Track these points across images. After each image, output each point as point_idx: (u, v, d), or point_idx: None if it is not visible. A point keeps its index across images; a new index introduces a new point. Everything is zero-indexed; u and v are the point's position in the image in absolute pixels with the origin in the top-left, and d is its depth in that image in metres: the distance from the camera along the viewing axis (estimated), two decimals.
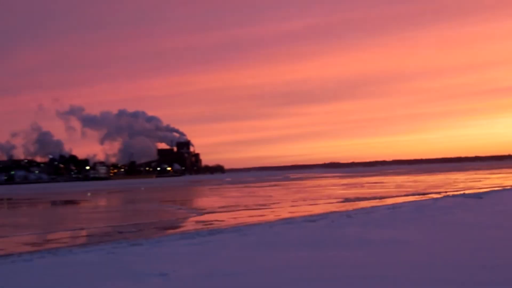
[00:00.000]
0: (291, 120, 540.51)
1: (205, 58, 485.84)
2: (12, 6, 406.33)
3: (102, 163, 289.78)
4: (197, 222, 28.54)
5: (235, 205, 41.36)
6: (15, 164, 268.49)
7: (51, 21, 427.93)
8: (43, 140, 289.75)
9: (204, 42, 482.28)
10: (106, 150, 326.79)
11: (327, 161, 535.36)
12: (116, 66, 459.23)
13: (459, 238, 15.79)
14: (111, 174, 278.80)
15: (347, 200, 41.48)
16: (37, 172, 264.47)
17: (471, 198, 33.29)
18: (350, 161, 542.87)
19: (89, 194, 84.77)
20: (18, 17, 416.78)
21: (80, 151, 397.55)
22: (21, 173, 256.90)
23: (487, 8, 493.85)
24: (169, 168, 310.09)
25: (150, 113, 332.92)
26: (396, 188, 58.48)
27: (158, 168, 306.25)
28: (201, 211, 36.06)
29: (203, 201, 51.24)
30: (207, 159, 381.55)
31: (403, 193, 47.17)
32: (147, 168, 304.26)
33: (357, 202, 38.16)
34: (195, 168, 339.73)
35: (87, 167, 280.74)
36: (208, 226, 25.56)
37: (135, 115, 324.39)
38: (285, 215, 29.91)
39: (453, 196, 37.97)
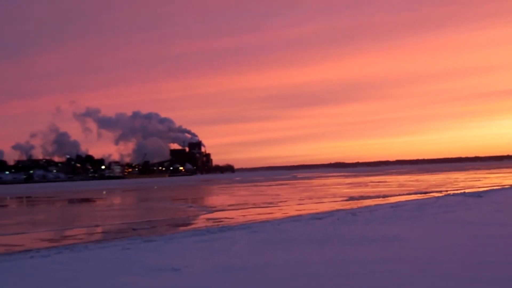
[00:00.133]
0: (298, 121, 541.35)
1: (216, 62, 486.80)
2: (31, 13, 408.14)
3: (117, 163, 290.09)
4: (208, 219, 28.52)
5: (244, 203, 41.35)
6: (34, 163, 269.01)
7: (68, 27, 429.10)
8: (61, 140, 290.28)
9: (215, 47, 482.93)
10: (121, 150, 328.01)
11: (333, 161, 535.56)
12: (130, 70, 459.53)
13: (459, 235, 15.75)
14: (126, 173, 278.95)
15: (351, 198, 41.37)
16: (55, 171, 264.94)
17: (471, 197, 33.19)
18: (354, 161, 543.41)
19: (104, 192, 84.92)
20: (37, 23, 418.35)
21: (96, 151, 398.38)
22: (39, 172, 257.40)
23: (485, 15, 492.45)
24: (181, 168, 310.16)
25: (163, 115, 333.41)
26: (398, 187, 58.33)
27: (171, 168, 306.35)
28: (212, 209, 36.05)
29: (214, 200, 51.23)
30: (217, 159, 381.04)
31: (405, 192, 47.03)
32: (160, 168, 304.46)
33: (361, 201, 38.06)
34: (206, 167, 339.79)
35: (103, 167, 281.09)
36: (218, 223, 25.53)
37: (149, 116, 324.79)
38: (293, 213, 29.88)
39: (454, 195, 37.84)
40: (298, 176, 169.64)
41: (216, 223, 25.49)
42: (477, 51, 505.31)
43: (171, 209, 39.65)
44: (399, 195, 43.33)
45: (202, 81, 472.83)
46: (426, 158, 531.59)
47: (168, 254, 14.45)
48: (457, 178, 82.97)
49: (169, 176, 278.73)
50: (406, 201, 34.09)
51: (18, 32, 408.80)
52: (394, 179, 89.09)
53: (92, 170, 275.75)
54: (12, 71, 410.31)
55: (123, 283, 10.82)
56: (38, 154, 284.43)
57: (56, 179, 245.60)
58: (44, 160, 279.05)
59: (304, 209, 32.24)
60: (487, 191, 40.89)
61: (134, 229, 24.48)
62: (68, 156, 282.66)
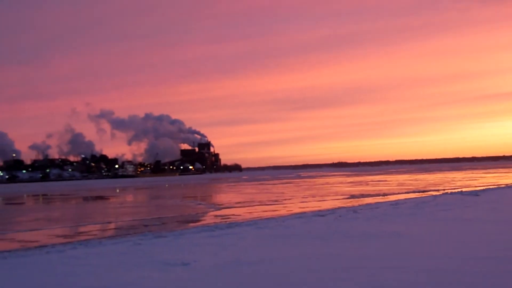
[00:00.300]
0: (303, 123, 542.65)
1: (225, 67, 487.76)
2: (49, 20, 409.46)
3: (129, 162, 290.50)
4: (216, 216, 28.53)
5: (251, 200, 41.35)
6: (50, 163, 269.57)
7: (84, 33, 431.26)
8: (76, 141, 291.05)
9: (224, 52, 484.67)
10: (134, 150, 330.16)
11: (335, 161, 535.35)
12: (143, 74, 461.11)
13: (456, 232, 15.70)
14: (138, 172, 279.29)
15: (353, 196, 41.35)
16: (70, 170, 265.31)
17: (468, 196, 33.08)
18: (356, 161, 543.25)
19: (117, 190, 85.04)
20: (54, 29, 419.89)
21: (110, 151, 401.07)
22: (55, 171, 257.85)
23: (481, 22, 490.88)
24: (191, 167, 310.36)
25: (174, 116, 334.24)
26: (398, 186, 58.24)
27: (181, 167, 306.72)
28: (220, 206, 36.07)
29: (222, 197, 51.25)
30: (226, 159, 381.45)
31: (404, 191, 46.95)
32: (171, 167, 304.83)
33: (362, 199, 38.02)
34: (214, 167, 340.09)
35: (116, 166, 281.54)
36: (226, 220, 25.54)
37: (160, 118, 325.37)
38: (297, 210, 29.86)
39: (451, 193, 37.72)
40: (302, 175, 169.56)
41: (224, 220, 25.50)
42: (474, 56, 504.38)
43: (181, 206, 39.67)
44: (399, 193, 43.25)
45: (212, 84, 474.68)
46: (424, 158, 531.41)
47: (178, 249, 14.44)
48: (455, 177, 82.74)
49: (180, 175, 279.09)
50: (405, 199, 33.99)
51: (36, 37, 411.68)
52: (394, 178, 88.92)
53: (106, 169, 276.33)
54: (30, 74, 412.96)
55: (135, 277, 10.83)
56: (54, 154, 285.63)
57: (71, 178, 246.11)
58: (60, 160, 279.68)
59: (307, 207, 32.21)
60: (483, 190, 40.75)
61: (145, 225, 24.52)
62: (83, 156, 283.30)
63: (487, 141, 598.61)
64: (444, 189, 45.93)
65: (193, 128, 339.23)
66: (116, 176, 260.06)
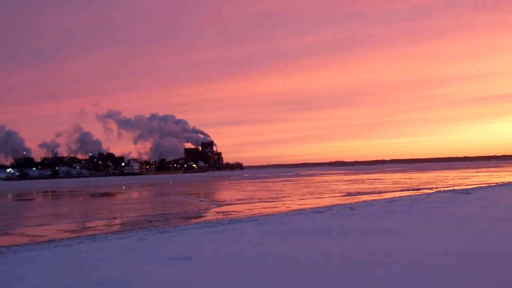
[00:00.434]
0: (302, 124, 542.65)
1: (227, 69, 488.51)
2: (58, 23, 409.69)
3: (135, 160, 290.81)
4: (218, 212, 28.47)
5: (251, 197, 41.30)
6: (59, 160, 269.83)
7: (93, 37, 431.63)
8: (84, 139, 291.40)
9: (227, 56, 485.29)
10: (139, 149, 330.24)
11: (333, 160, 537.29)
12: (149, 76, 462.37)
13: (449, 229, 15.68)
14: (144, 170, 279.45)
15: (350, 194, 41.27)
16: (78, 168, 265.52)
17: (460, 194, 33.05)
18: (353, 160, 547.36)
19: (123, 187, 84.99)
20: (63, 33, 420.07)
21: (116, 150, 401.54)
22: (64, 168, 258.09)
23: (473, 28, 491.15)
24: (194, 165, 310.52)
25: (178, 117, 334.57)
26: (393, 184, 58.17)
27: (185, 165, 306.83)
28: (222, 203, 36.02)
29: (223, 194, 51.19)
30: (228, 158, 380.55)
31: (399, 189, 46.90)
32: (175, 165, 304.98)
33: (359, 196, 37.95)
34: (217, 165, 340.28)
35: (123, 164, 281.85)
36: (228, 216, 25.48)
37: (165, 118, 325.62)
38: (296, 207, 29.80)
39: (444, 191, 37.66)
40: (301, 173, 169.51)
41: (226, 216, 25.44)
42: (466, 60, 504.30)
43: (184, 202, 39.63)
44: (394, 191, 43.21)
45: (215, 86, 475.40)
46: (418, 157, 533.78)
47: (181, 244, 14.42)
48: (447, 176, 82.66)
49: (183, 172, 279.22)
50: (400, 197, 33.95)
51: (46, 40, 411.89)
52: (389, 177, 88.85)
53: (112, 167, 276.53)
54: (40, 76, 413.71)
55: (140, 270, 10.81)
56: (63, 152, 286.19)
57: (79, 175, 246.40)
58: (68, 158, 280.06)
59: (306, 204, 32.17)
60: (475, 188, 40.72)
61: (150, 221, 24.49)
62: (90, 154, 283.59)
63: (479, 142, 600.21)
64: (437, 187, 45.86)
65: (197, 128, 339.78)
66: (122, 173, 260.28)
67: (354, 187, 53.64)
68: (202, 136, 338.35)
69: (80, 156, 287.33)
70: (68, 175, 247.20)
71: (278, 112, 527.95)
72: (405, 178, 77.98)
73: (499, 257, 10.79)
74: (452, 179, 69.09)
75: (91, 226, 24.15)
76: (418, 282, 8.89)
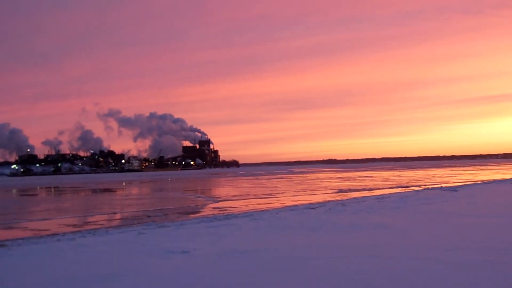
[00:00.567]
0: (296, 123, 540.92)
1: (224, 70, 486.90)
2: (62, 24, 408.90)
3: (135, 158, 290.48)
4: (215, 208, 28.48)
5: (247, 194, 41.31)
6: (61, 157, 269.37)
7: (94, 38, 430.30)
8: (86, 137, 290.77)
9: (224, 57, 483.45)
10: (139, 146, 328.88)
11: (326, 158, 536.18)
12: (149, 76, 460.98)
13: (436, 224, 15.71)
14: (143, 167, 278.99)
15: (341, 191, 41.34)
16: (80, 164, 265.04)
17: (448, 191, 33.12)
18: (345, 158, 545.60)
19: (124, 183, 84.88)
20: (67, 34, 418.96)
21: (117, 147, 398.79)
22: (66, 165, 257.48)
23: (460, 31, 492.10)
24: (192, 162, 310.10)
25: (177, 115, 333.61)
26: (383, 182, 58.25)
27: (183, 162, 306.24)
28: (218, 199, 36.02)
29: (220, 191, 51.16)
30: (224, 155, 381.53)
31: (389, 186, 46.97)
32: (173, 162, 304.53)
33: (350, 193, 38.01)
34: (214, 162, 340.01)
35: (123, 161, 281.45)
36: (224, 211, 25.49)
37: (164, 117, 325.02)
38: (289, 203, 29.82)
39: (432, 188, 37.76)
40: (295, 171, 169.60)
41: (222, 211, 25.45)
42: (453, 62, 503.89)
43: (182, 198, 39.61)
44: (384, 188, 43.28)
45: (212, 87, 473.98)
46: (408, 156, 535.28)
47: (179, 238, 14.41)
48: (435, 174, 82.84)
49: (181, 169, 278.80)
50: (390, 193, 34.01)
51: (50, 42, 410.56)
52: (379, 175, 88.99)
53: (113, 163, 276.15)
54: (44, 76, 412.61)
55: (139, 263, 10.81)
56: (65, 149, 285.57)
57: (81, 172, 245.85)
58: (70, 155, 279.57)
59: (299, 200, 32.18)
60: (462, 185, 40.81)
61: (149, 216, 24.46)
62: (92, 151, 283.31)
63: (466, 141, 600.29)
64: (425, 185, 45.97)
65: (194, 126, 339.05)
66: (122, 170, 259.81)
67: (345, 184, 53.70)
68: (199, 134, 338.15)
69: (82, 153, 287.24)
70: (70, 171, 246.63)
71: (272, 111, 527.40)
72: (394, 176, 78.11)
73: (485, 252, 10.82)
74: (439, 177, 69.23)
75: (92, 220, 24.11)
76: (407, 275, 8.91)
